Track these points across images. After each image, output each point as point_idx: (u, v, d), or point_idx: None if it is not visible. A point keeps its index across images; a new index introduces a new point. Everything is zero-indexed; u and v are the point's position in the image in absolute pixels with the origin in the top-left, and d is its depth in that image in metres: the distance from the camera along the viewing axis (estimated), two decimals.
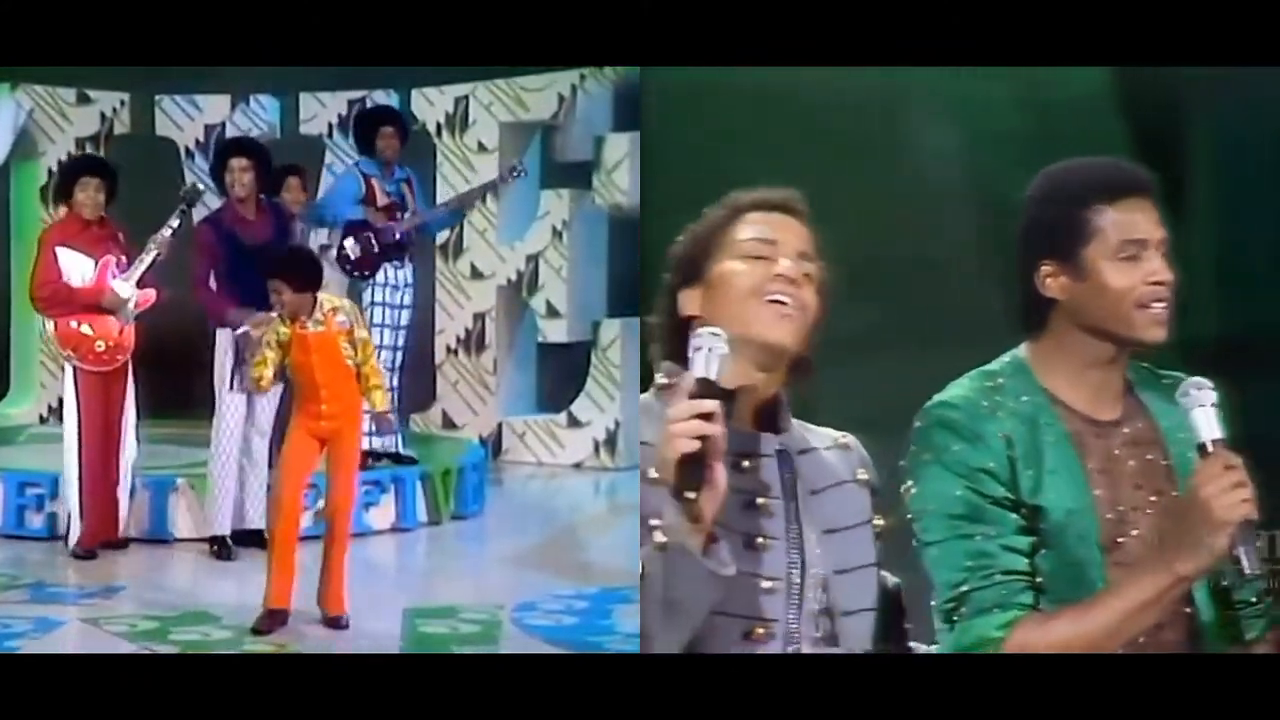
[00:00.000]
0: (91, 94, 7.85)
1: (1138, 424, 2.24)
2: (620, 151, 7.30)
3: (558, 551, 5.83)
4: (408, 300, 6.37)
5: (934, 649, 2.22)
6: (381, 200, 6.28)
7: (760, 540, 2.01)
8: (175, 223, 5.46)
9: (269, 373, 4.49)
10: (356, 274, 6.32)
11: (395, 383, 6.33)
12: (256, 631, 4.40)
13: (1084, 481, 2.18)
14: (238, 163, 5.43)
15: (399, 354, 6.39)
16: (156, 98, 7.97)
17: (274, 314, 4.50)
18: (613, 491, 7.10)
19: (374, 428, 5.05)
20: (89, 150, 7.67)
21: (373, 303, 6.30)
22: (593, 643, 4.43)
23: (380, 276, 6.29)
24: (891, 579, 2.18)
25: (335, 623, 4.48)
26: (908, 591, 2.22)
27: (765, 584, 2.01)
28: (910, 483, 2.22)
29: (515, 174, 6.70)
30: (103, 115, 7.92)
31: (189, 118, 8.01)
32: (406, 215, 6.34)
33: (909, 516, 2.22)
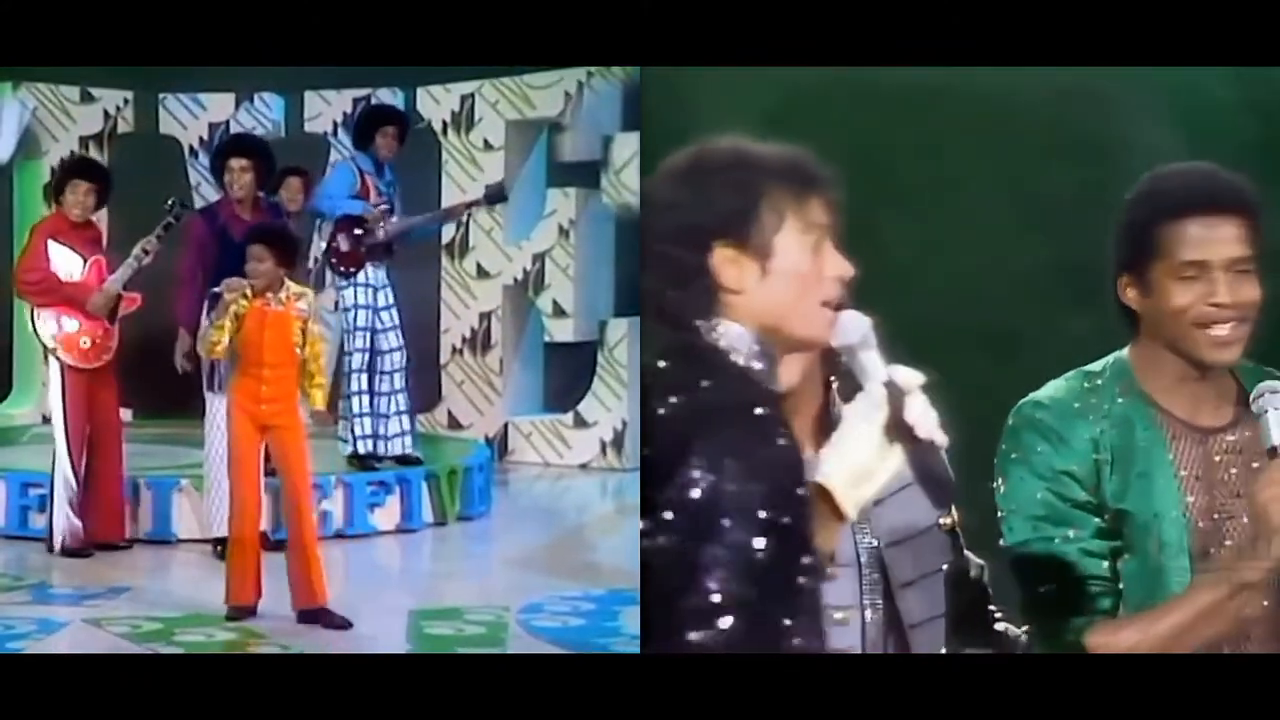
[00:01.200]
0: (95, 92, 7.88)
1: (1245, 431, 2.20)
2: (629, 150, 7.32)
3: (564, 553, 5.84)
4: (391, 300, 6.25)
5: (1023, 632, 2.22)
6: (375, 197, 6.24)
7: (831, 570, 1.92)
8: (161, 233, 5.48)
9: (226, 340, 4.47)
10: (343, 269, 6.32)
11: (403, 384, 6.32)
12: (231, 618, 4.50)
13: (1175, 487, 2.17)
14: (238, 162, 5.43)
15: (403, 354, 6.34)
16: (160, 96, 7.99)
17: (246, 281, 4.48)
18: (620, 492, 7.09)
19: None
20: (92, 149, 7.71)
21: (356, 305, 6.24)
22: (600, 645, 4.43)
23: (361, 276, 6.20)
24: (975, 563, 2.13)
25: (326, 616, 4.48)
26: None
27: (838, 615, 1.95)
28: (1000, 480, 2.24)
29: (496, 199, 6.68)
30: (106, 114, 7.95)
31: (193, 116, 8.04)
32: (394, 219, 6.26)
33: (999, 515, 2.24)
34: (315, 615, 4.50)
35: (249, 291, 4.46)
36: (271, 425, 4.52)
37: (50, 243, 5.39)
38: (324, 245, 6.21)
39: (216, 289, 4.63)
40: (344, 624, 4.47)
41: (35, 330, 5.47)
